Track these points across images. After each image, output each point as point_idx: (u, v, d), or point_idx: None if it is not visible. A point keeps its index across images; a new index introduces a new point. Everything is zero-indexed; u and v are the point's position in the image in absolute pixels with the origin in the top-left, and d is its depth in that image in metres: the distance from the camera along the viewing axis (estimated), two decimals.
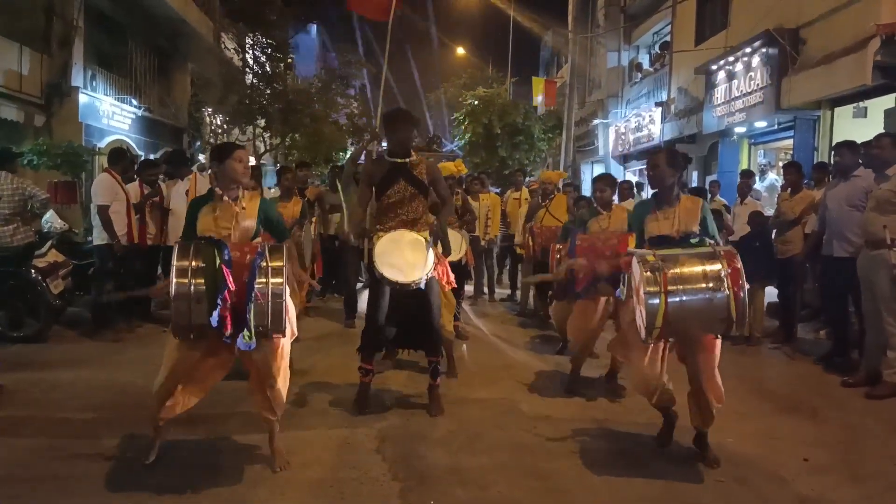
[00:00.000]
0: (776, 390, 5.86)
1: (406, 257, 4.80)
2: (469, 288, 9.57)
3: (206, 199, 4.00)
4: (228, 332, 3.59)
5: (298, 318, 4.51)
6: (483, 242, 9.83)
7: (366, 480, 3.81)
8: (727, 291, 3.61)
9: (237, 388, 5.23)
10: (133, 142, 16.79)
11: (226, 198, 3.94)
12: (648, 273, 3.69)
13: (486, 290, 10.29)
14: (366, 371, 5.07)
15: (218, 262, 3.58)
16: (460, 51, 39.26)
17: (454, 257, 7.34)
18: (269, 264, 3.62)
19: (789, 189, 7.61)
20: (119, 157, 7.67)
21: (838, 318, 6.68)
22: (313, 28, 38.18)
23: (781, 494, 3.76)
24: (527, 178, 11.26)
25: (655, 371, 4.05)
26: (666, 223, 4.17)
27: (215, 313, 3.51)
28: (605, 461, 4.12)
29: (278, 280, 3.61)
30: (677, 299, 3.64)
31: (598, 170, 22.40)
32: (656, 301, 3.63)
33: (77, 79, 14.61)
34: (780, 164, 13.92)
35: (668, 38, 18.20)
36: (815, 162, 10.11)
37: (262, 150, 22.45)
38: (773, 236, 7.65)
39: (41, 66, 13.88)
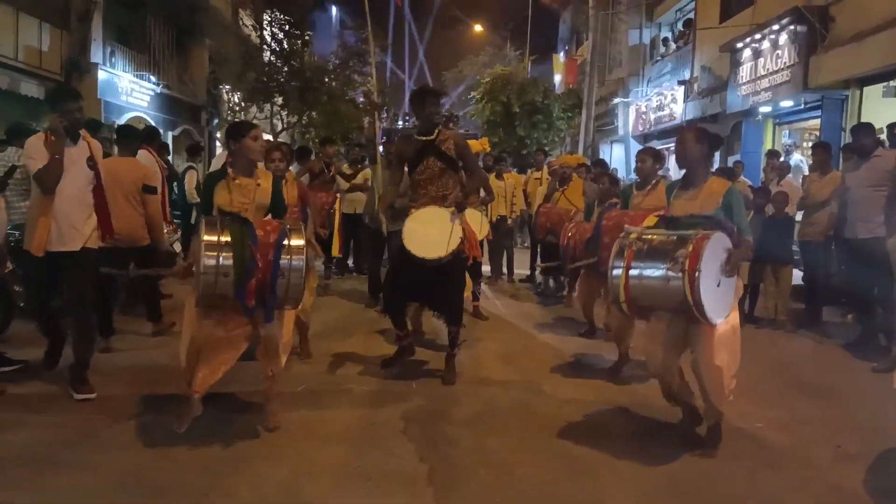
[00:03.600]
0: (804, 376, 5.76)
1: (432, 233, 4.84)
2: (487, 268, 9.50)
3: (221, 175, 4.12)
4: (252, 304, 3.81)
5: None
6: (510, 221, 9.81)
7: (391, 461, 3.78)
8: (679, 274, 3.58)
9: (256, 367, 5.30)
10: (152, 119, 16.79)
11: (241, 175, 4.10)
12: (617, 248, 3.88)
13: (504, 270, 10.22)
14: (399, 336, 5.32)
15: (247, 239, 3.77)
16: (478, 28, 38.95)
17: (478, 237, 7.31)
18: (292, 243, 3.85)
19: (818, 170, 7.46)
20: (154, 134, 7.82)
21: (864, 302, 6.58)
22: (331, 7, 37.96)
23: (815, 482, 3.69)
24: (547, 158, 11.11)
25: (652, 348, 4.05)
26: (688, 204, 4.06)
27: (242, 288, 3.74)
28: (633, 445, 4.07)
29: (299, 258, 3.84)
30: (636, 273, 3.78)
31: (618, 150, 22.18)
32: (618, 273, 3.82)
33: (96, 55, 14.61)
34: (805, 144, 13.73)
35: (691, 16, 17.85)
36: (842, 143, 9.93)
37: (280, 128, 22.37)
38: (797, 217, 7.54)
39: (61, 42, 13.89)
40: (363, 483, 3.52)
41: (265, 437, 4.04)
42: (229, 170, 4.11)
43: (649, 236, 3.89)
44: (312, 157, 7.36)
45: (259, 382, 4.24)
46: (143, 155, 7.21)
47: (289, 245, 3.83)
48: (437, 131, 5.05)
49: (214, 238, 3.70)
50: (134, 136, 6.58)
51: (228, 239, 3.72)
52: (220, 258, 3.67)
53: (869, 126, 6.64)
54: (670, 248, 3.70)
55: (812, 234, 7.22)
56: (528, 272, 10.47)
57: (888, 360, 5.73)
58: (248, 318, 3.93)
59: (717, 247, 3.72)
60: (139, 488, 3.39)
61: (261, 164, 4.49)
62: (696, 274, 3.53)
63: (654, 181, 5.71)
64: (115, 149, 6.54)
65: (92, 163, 4.66)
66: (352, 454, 3.85)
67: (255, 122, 20.67)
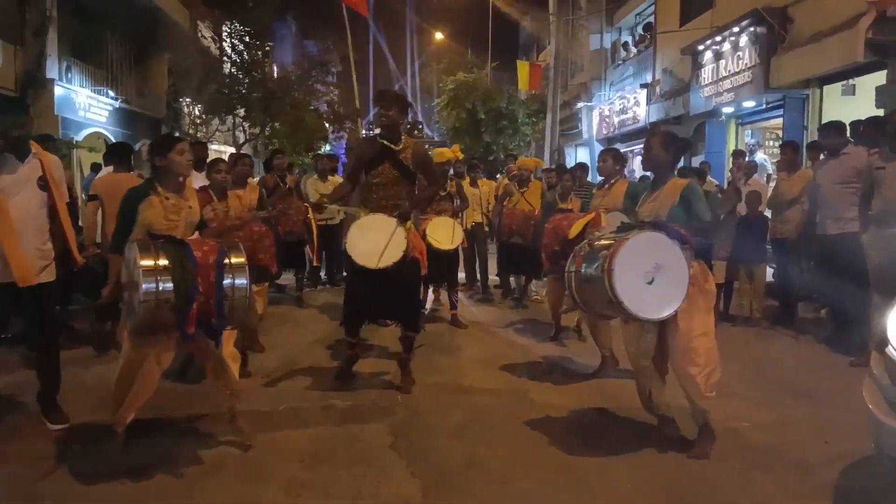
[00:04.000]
0: (784, 373, 5.79)
1: (376, 241, 4.77)
2: (462, 276, 9.44)
3: (146, 192, 3.91)
4: (192, 331, 3.61)
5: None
6: (486, 228, 9.78)
7: (383, 479, 3.69)
8: (601, 273, 3.75)
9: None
10: (111, 134, 16.47)
11: (170, 192, 3.93)
12: (572, 254, 4.14)
13: (478, 277, 10.17)
14: (350, 344, 5.28)
15: (186, 261, 3.59)
16: (439, 35, 38.97)
17: (450, 245, 7.26)
18: (232, 261, 3.72)
19: (786, 169, 7.56)
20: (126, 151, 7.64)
21: (837, 297, 6.66)
22: (289, 17, 37.67)
23: (808, 483, 3.69)
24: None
25: (630, 350, 4.26)
26: (651, 206, 4.15)
27: (184, 314, 3.55)
28: (625, 450, 4.03)
29: (242, 277, 3.73)
30: (582, 274, 3.99)
31: (582, 153, 22.36)
32: (570, 272, 4.08)
33: (52, 70, 14.27)
34: (768, 143, 13.98)
35: (651, 20, 18.09)
36: (806, 141, 10.11)
37: (242, 139, 22.09)
38: (769, 216, 7.64)
39: (14, 58, 13.51)
40: (356, 502, 3.43)
41: (250, 459, 3.91)
42: (158, 187, 3.90)
43: (599, 240, 4.09)
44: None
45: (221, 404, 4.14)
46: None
47: (230, 264, 3.70)
48: (399, 138, 5.01)
49: (151, 262, 3.47)
50: (128, 153, 6.63)
51: (167, 262, 3.50)
52: (160, 283, 3.45)
53: (839, 124, 6.74)
54: (605, 250, 3.87)
55: (784, 231, 7.31)
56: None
57: (865, 355, 5.78)
58: (170, 345, 3.77)
59: (644, 245, 3.82)
60: None
61: (189, 181, 4.27)
62: (613, 271, 3.68)
63: (612, 181, 6.03)
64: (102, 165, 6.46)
65: (43, 182, 4.19)
66: (342, 473, 3.75)
67: (217, 133, 20.41)
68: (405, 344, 5.21)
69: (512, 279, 9.58)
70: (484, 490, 3.55)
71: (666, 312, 3.83)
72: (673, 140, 4.26)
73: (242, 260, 3.75)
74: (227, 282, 3.67)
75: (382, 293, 4.95)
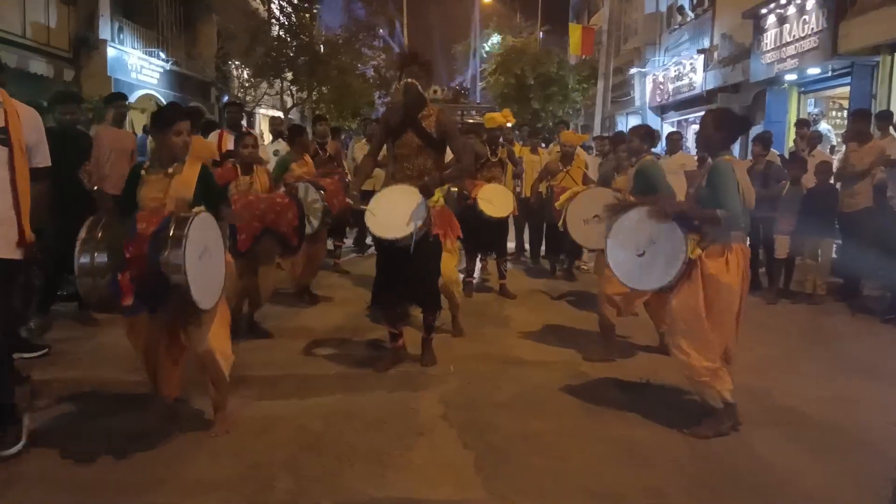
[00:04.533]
0: (846, 351, 5.56)
1: (397, 212, 4.46)
2: (512, 245, 9.30)
3: (139, 168, 3.74)
4: (128, 302, 3.31)
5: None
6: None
7: (436, 448, 3.62)
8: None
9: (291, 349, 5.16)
10: (162, 96, 16.59)
11: (159, 168, 3.66)
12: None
13: (526, 247, 10.00)
14: (392, 335, 4.96)
15: (119, 233, 3.38)
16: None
17: (500, 213, 7.09)
18: (171, 233, 3.28)
19: (856, 139, 7.19)
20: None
21: None
22: None
23: (874, 465, 3.50)
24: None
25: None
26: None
27: (115, 285, 3.30)
28: (684, 425, 3.88)
29: (177, 251, 3.23)
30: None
31: (634, 121, 21.77)
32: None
33: (104, 31, 14.37)
34: (832, 113, 13.39)
35: None
36: (875, 110, 9.63)
37: (290, 103, 22.09)
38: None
39: (68, 18, 13.63)
40: (408, 472, 3.36)
41: (302, 424, 3.87)
42: (148, 164, 3.73)
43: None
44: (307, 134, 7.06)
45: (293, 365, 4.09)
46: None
47: (168, 235, 3.26)
48: (423, 104, 4.67)
49: (91, 235, 3.34)
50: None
51: (106, 235, 3.36)
52: (95, 257, 3.32)
53: None
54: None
55: (853, 205, 6.97)
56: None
57: None
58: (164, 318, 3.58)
59: (636, 219, 4.07)
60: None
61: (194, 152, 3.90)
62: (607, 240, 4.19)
63: (633, 160, 5.49)
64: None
65: (3, 136, 3.39)
66: (394, 441, 3.68)
67: (265, 96, 20.42)
68: (425, 325, 4.97)
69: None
70: (540, 464, 3.44)
71: (649, 284, 4.07)
72: (727, 118, 3.99)
73: (181, 233, 3.27)
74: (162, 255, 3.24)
75: (399, 269, 4.66)
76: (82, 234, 3.36)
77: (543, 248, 9.43)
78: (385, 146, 4.93)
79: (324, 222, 6.34)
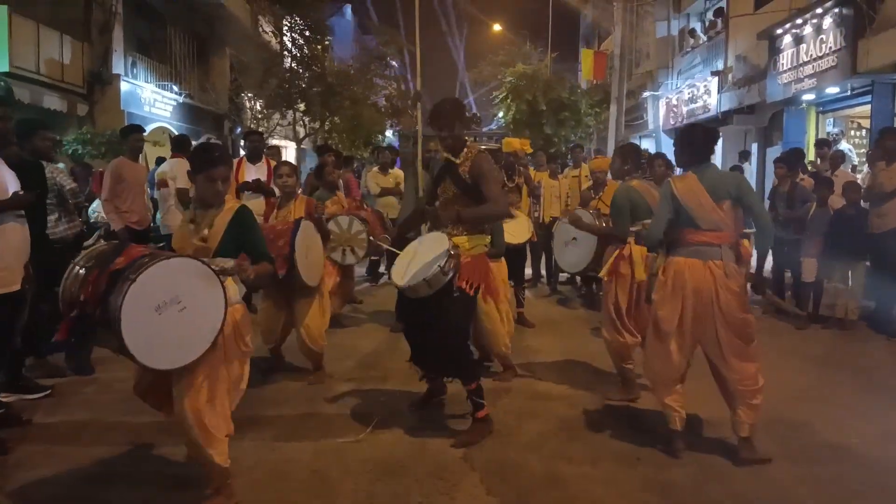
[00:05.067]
0: (885, 381, 5.27)
1: (418, 259, 4.07)
2: (528, 271, 9.09)
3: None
4: (59, 338, 3.03)
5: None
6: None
7: (456, 494, 3.40)
8: None
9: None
10: (175, 129, 16.62)
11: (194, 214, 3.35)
12: None
13: (543, 272, 9.79)
14: (481, 405, 4.17)
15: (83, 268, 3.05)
16: (497, 27, 38.45)
17: (519, 240, 6.90)
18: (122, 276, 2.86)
19: (885, 158, 6.95)
20: (184, 143, 7.69)
21: None
22: (348, 10, 37.77)
23: None
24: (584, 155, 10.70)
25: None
26: None
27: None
28: (720, 469, 3.65)
29: (118, 295, 2.77)
30: None
31: (647, 144, 21.61)
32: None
33: (118, 66, 14.47)
34: (852, 132, 13.16)
35: (721, 4, 17.30)
36: None
37: (302, 134, 22.12)
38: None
39: (82, 54, 13.74)
40: None
41: (317, 468, 3.67)
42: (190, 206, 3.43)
43: None
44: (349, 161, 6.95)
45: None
46: (179, 163, 7.02)
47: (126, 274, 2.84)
48: (461, 149, 4.23)
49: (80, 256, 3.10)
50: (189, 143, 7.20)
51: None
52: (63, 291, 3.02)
53: None
54: None
55: (882, 225, 6.71)
56: (568, 274, 10.08)
57: None
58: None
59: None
60: None
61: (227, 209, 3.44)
62: None
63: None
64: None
65: None
66: (413, 486, 3.47)
67: (278, 127, 20.45)
68: (471, 400, 4.15)
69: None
70: None
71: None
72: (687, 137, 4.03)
73: (133, 275, 2.80)
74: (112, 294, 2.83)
75: (417, 328, 4.25)
76: (77, 258, 3.10)
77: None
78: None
79: (368, 254, 6.34)
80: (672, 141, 17.68)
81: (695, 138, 3.97)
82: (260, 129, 20.34)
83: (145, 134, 13.34)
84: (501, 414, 4.45)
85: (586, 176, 9.29)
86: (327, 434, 4.12)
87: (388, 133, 26.70)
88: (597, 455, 3.86)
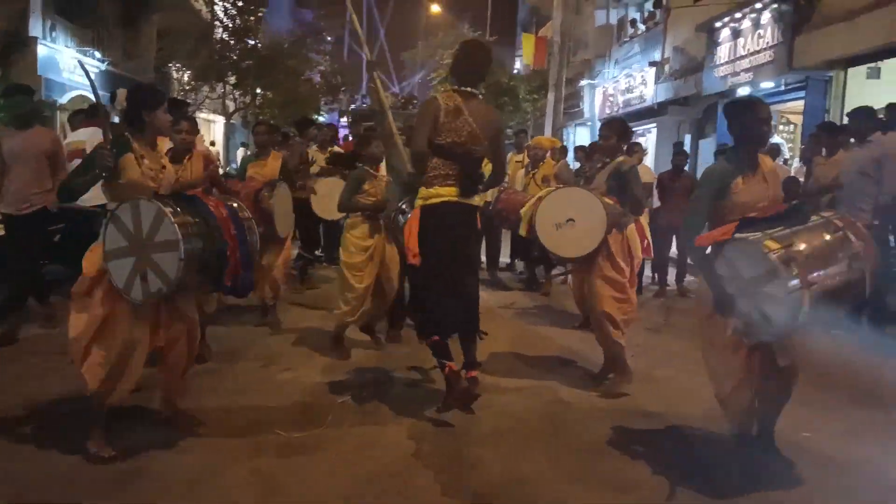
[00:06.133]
0: (838, 377, 5.23)
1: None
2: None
3: (124, 147, 3.41)
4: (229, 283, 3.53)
5: None
6: None
7: (410, 496, 3.20)
8: None
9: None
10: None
11: (146, 150, 3.53)
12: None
13: (483, 257, 9.65)
14: (441, 365, 4.04)
15: (208, 218, 3.38)
16: (435, 8, 38.10)
17: None
18: (244, 213, 3.67)
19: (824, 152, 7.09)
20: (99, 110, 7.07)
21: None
22: None
23: None
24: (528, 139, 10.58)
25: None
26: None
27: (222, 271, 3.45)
28: (683, 466, 3.54)
29: (254, 232, 3.65)
30: None
31: (583, 132, 21.81)
32: None
33: (35, 28, 13.55)
34: (782, 126, 13.50)
35: None
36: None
37: (232, 108, 21.39)
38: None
39: None
40: None
41: (259, 467, 3.40)
42: (135, 144, 3.44)
43: None
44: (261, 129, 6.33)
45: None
46: (92, 132, 6.48)
47: (244, 216, 3.58)
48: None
49: (181, 219, 3.20)
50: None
51: (192, 219, 3.26)
52: (192, 241, 3.22)
53: (868, 109, 6.34)
54: None
55: None
56: (509, 261, 10.01)
57: None
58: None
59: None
60: None
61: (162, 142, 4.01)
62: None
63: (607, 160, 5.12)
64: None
65: None
66: (363, 486, 3.25)
67: (207, 100, 19.71)
68: (473, 360, 4.13)
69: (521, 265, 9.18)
70: None
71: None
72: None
73: (248, 213, 3.65)
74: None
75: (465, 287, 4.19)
76: (174, 218, 3.16)
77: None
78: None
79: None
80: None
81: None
82: (188, 102, 19.55)
83: (64, 102, 12.52)
84: (454, 411, 4.21)
85: (528, 160, 9.18)
86: (264, 428, 3.84)
87: (323, 109, 26.09)
88: (557, 450, 3.72)
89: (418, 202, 4.03)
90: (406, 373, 4.95)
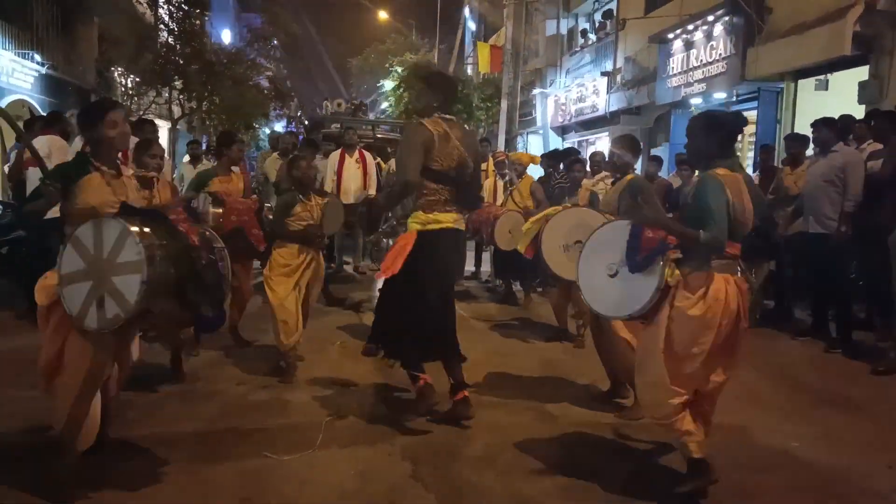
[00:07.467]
0: (810, 382, 5.39)
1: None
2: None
3: (82, 168, 3.19)
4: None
5: None
6: None
7: None
8: None
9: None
10: (36, 102, 15.11)
11: (110, 169, 3.26)
12: None
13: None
14: (415, 377, 4.15)
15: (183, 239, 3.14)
16: (383, 15, 37.96)
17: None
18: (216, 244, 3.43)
19: (790, 163, 7.24)
20: (56, 119, 6.73)
21: (821, 296, 6.71)
22: None
23: None
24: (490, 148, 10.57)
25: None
26: None
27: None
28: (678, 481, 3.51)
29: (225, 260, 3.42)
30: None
31: (535, 140, 21.93)
32: None
33: None
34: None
35: (611, 6, 17.73)
36: (780, 136, 9.93)
37: (178, 114, 20.77)
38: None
39: None
40: None
41: (249, 496, 3.23)
42: (95, 162, 3.21)
43: None
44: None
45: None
46: (49, 140, 6.16)
47: (218, 246, 3.37)
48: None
49: (148, 242, 2.93)
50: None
51: (162, 241, 3.00)
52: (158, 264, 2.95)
53: (830, 120, 6.52)
54: None
55: (789, 228, 6.95)
56: (473, 269, 9.97)
57: (886, 361, 5.54)
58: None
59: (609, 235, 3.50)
60: None
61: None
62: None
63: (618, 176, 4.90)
64: None
65: None
66: None
67: (153, 105, 19.09)
68: (461, 381, 4.25)
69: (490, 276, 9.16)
70: None
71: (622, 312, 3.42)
72: (717, 120, 3.37)
73: (221, 243, 3.40)
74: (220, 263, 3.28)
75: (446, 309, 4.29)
76: (139, 239, 2.90)
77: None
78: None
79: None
80: (562, 139, 17.95)
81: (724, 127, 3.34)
82: (132, 107, 18.90)
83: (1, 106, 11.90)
84: (443, 429, 4.12)
85: (492, 170, 9.14)
86: (249, 453, 3.66)
87: (272, 115, 25.57)
88: (553, 466, 3.64)
89: (414, 226, 3.95)
90: (381, 383, 4.82)
